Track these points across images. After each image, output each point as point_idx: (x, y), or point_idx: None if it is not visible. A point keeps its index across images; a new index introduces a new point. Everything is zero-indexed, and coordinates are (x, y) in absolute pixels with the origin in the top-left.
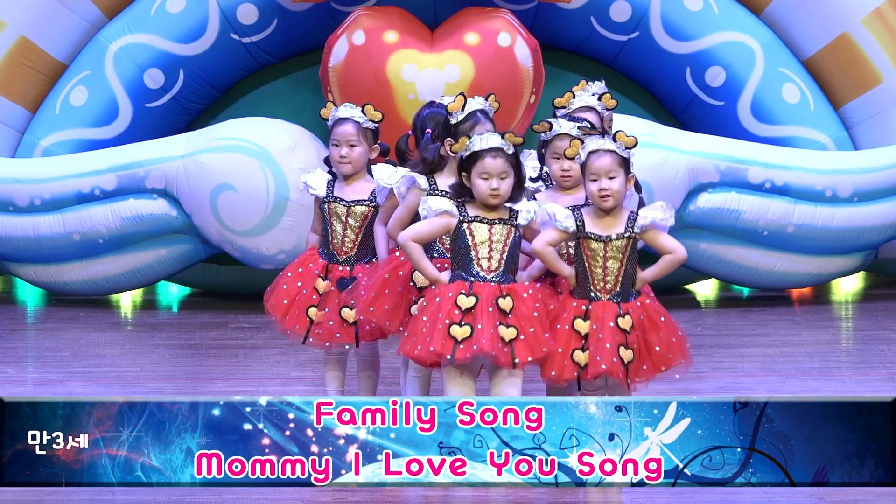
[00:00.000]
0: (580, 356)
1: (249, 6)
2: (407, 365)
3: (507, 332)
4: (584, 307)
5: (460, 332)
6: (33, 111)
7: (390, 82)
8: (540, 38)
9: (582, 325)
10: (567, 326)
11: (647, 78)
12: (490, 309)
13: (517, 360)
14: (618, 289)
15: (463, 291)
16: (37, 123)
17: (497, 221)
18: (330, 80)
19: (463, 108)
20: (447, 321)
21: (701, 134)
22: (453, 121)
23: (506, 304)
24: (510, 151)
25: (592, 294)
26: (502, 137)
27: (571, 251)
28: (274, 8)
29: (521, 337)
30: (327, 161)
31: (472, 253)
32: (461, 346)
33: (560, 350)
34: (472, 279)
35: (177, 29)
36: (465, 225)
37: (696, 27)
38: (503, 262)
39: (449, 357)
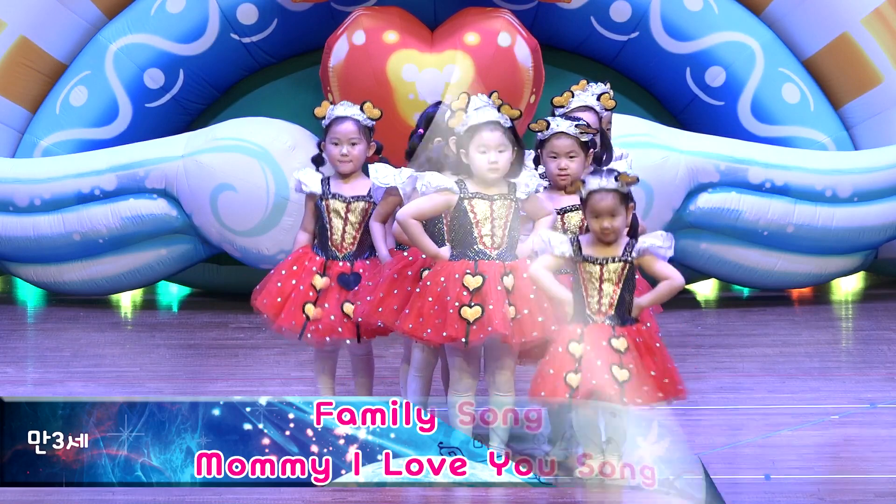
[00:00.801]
0: (573, 378)
1: (249, 6)
2: (408, 364)
3: (510, 311)
4: (578, 330)
5: (471, 313)
6: (33, 111)
7: (390, 82)
8: (540, 38)
9: (576, 348)
10: (561, 349)
11: (647, 78)
12: (498, 288)
13: (517, 339)
14: (612, 312)
15: (468, 270)
16: (37, 123)
17: (497, 197)
18: (330, 80)
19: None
20: (457, 303)
21: (701, 134)
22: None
23: (509, 281)
24: (507, 125)
25: (588, 317)
26: (499, 111)
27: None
28: (274, 8)
29: (518, 317)
30: (315, 160)
31: (475, 230)
32: (474, 328)
33: (551, 371)
34: (477, 257)
35: (177, 29)
36: (465, 202)
37: (696, 27)
38: (505, 238)
39: (464, 340)
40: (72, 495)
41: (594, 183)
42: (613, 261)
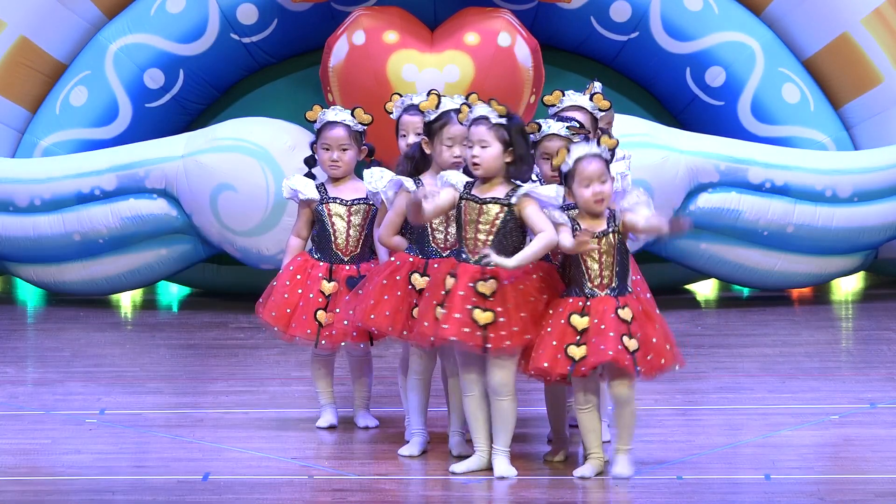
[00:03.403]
0: (574, 351)
1: (249, 6)
2: (406, 366)
3: (483, 316)
4: (580, 303)
5: (440, 312)
6: (33, 111)
7: (390, 82)
8: (540, 38)
9: (579, 321)
10: (563, 321)
11: (647, 78)
12: (461, 292)
13: (489, 346)
14: (614, 283)
15: (452, 271)
16: (37, 123)
17: (489, 201)
18: (330, 80)
19: (437, 107)
20: (434, 302)
21: (701, 134)
22: (427, 119)
23: (486, 287)
24: (495, 120)
25: (588, 291)
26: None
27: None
28: (274, 8)
29: (500, 320)
30: (308, 162)
31: (462, 233)
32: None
33: (554, 343)
34: (462, 260)
35: (177, 29)
36: (463, 202)
37: (696, 27)
38: (489, 243)
39: (432, 339)
40: (71, 495)
41: (579, 150)
42: (605, 234)
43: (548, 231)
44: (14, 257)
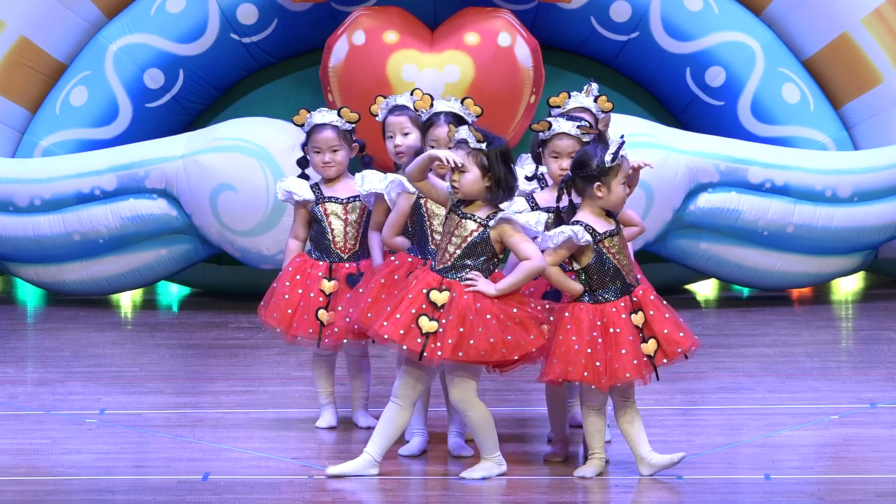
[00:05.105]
0: (647, 347)
1: (249, 6)
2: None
3: (428, 325)
4: (631, 301)
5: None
6: (33, 111)
7: (390, 82)
8: (540, 38)
9: (638, 318)
10: (617, 329)
11: (647, 78)
12: (410, 296)
13: (424, 354)
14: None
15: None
16: (37, 123)
17: (469, 216)
18: (330, 80)
19: (430, 108)
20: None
21: (701, 134)
22: (421, 119)
23: (440, 297)
24: (474, 145)
25: (632, 285)
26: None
27: (576, 265)
28: (274, 8)
29: (439, 332)
30: (301, 163)
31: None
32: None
33: (624, 351)
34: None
35: (177, 29)
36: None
37: (696, 27)
38: (456, 255)
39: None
40: (71, 495)
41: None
42: (616, 232)
43: (533, 259)
44: (14, 257)
